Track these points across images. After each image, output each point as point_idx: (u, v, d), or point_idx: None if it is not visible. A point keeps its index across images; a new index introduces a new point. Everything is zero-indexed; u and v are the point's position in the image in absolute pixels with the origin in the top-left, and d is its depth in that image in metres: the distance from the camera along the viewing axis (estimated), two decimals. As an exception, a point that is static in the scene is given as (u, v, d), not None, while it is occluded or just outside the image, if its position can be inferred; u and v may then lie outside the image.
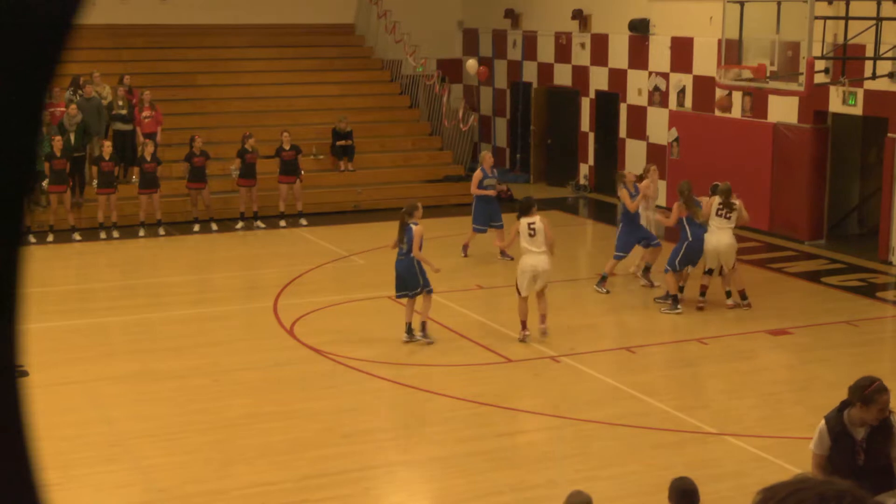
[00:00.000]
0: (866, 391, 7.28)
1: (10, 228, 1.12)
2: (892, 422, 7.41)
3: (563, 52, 26.71)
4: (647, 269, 16.98)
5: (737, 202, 15.54)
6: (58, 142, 20.29)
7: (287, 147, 22.25)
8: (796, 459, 9.76)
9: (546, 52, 27.31)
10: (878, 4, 18.12)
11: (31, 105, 1.13)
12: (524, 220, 14.20)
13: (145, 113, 22.57)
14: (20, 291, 1.14)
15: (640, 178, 17.12)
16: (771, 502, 1.66)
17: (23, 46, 1.08)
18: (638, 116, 24.43)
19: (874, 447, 7.33)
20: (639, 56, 24.23)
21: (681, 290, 15.81)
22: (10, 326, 1.13)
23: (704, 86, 22.15)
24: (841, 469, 7.27)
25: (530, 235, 14.11)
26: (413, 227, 13.94)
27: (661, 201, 23.72)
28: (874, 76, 17.99)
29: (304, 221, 22.23)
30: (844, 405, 7.43)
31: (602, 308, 16.23)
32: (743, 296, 15.84)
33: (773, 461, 10.45)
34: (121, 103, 22.44)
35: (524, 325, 14.28)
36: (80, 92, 21.98)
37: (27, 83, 1.11)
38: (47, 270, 17.93)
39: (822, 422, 7.51)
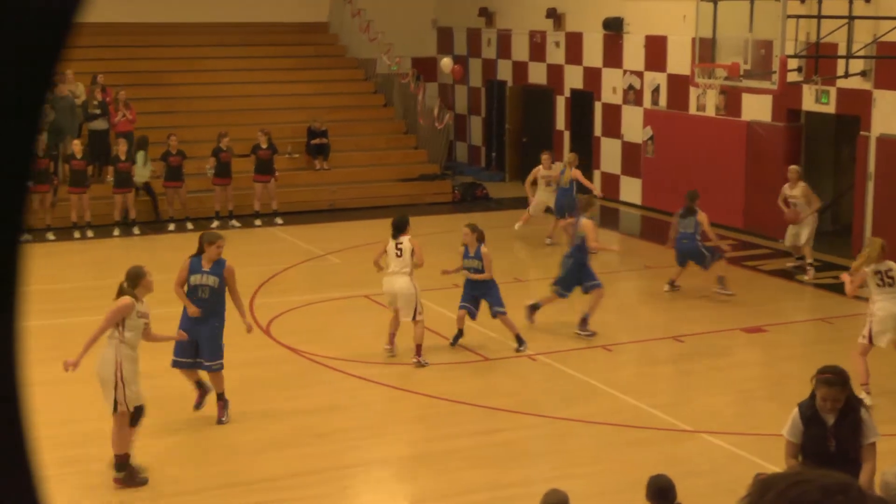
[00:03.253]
0: (815, 376, 7.40)
1: (11, 227, 1.10)
2: (860, 412, 7.44)
3: (537, 51, 26.72)
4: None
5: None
6: (39, 141, 20.20)
7: (264, 146, 22.18)
8: (771, 456, 9.79)
9: (520, 50, 27.32)
10: (850, 3, 18.20)
11: (31, 104, 1.12)
12: (393, 241, 13.47)
13: (120, 112, 22.44)
14: (20, 290, 1.12)
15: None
16: (770, 493, 1.61)
17: (24, 45, 1.07)
18: (613, 115, 24.46)
19: (842, 434, 7.37)
20: (613, 54, 24.26)
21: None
22: (10, 326, 1.11)
23: (679, 84, 22.20)
24: (812, 455, 7.31)
25: (397, 255, 13.40)
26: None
27: (636, 199, 23.78)
28: (847, 75, 18.05)
29: (279, 220, 22.17)
30: None
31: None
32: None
33: (747, 458, 10.48)
34: (95, 102, 22.32)
35: (389, 339, 13.77)
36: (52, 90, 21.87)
37: (27, 82, 1.10)
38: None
39: (795, 408, 7.56)
